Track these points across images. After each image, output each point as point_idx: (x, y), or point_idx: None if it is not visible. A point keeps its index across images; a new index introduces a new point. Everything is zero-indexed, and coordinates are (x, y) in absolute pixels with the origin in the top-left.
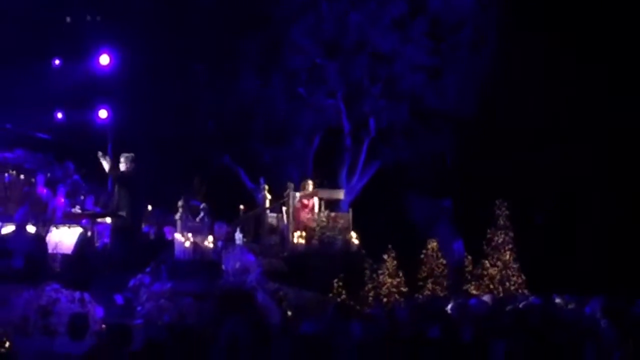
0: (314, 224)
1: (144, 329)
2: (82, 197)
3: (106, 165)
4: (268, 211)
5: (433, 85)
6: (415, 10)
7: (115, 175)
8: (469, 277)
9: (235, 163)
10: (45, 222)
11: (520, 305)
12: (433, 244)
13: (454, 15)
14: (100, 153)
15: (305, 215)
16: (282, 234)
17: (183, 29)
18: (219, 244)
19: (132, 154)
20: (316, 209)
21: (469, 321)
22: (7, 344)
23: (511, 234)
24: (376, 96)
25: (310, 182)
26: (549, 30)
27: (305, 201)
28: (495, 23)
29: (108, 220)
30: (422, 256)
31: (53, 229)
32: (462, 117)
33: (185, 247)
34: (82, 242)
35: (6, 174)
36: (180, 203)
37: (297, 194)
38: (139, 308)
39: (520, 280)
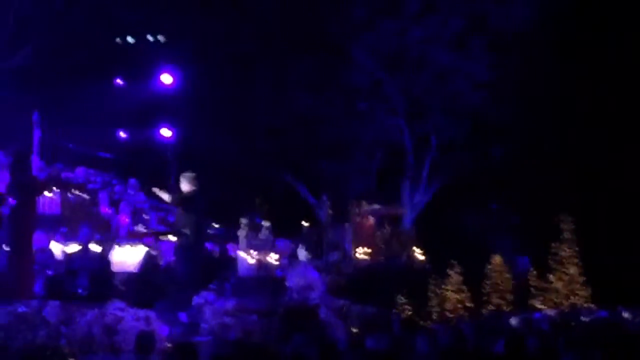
0: (377, 240)
1: (210, 346)
2: (145, 216)
3: (166, 197)
4: (331, 227)
5: (492, 100)
6: (474, 26)
7: (176, 198)
8: (534, 291)
9: (297, 180)
10: (109, 240)
11: (587, 319)
12: (497, 259)
13: (512, 30)
14: (155, 189)
15: (368, 231)
16: (345, 250)
17: (243, 47)
18: (283, 260)
19: (193, 174)
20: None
21: (534, 335)
22: None
23: (576, 248)
24: (437, 112)
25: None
26: (606, 46)
27: (368, 217)
28: (552, 38)
29: (172, 238)
30: (487, 271)
31: (117, 248)
32: (521, 131)
33: (249, 264)
34: (146, 261)
35: (70, 194)
36: (243, 220)
37: (360, 210)
38: (203, 326)
39: (586, 294)
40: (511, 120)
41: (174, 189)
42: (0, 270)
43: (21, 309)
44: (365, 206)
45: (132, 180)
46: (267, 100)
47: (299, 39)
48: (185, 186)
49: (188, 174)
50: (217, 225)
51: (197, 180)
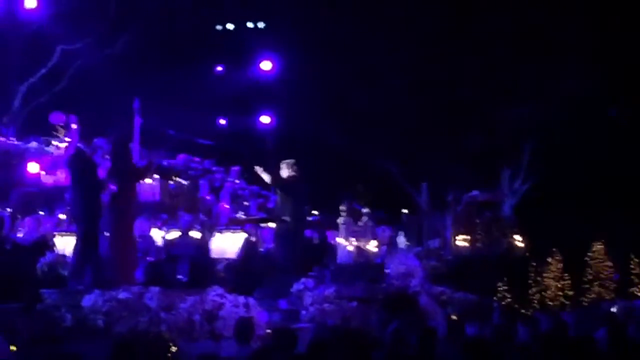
0: (476, 227)
1: (309, 333)
2: (245, 203)
3: (266, 177)
4: (430, 215)
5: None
6: None
7: (277, 183)
8: (636, 279)
9: (397, 167)
10: (210, 227)
11: None
12: (599, 247)
13: None
14: (257, 167)
15: (467, 218)
16: (444, 237)
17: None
18: (382, 248)
19: (293, 160)
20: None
21: (636, 323)
22: (174, 349)
23: None
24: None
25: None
26: None
27: (467, 204)
28: None
29: (272, 225)
30: (588, 259)
31: (217, 235)
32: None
33: (349, 251)
34: (246, 247)
35: (170, 181)
36: (343, 207)
37: (459, 197)
38: (303, 312)
39: None
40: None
41: (273, 175)
42: (102, 256)
43: (123, 295)
44: (465, 193)
45: (233, 167)
46: (366, 87)
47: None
48: (285, 173)
49: (288, 161)
50: (316, 212)
51: (297, 167)
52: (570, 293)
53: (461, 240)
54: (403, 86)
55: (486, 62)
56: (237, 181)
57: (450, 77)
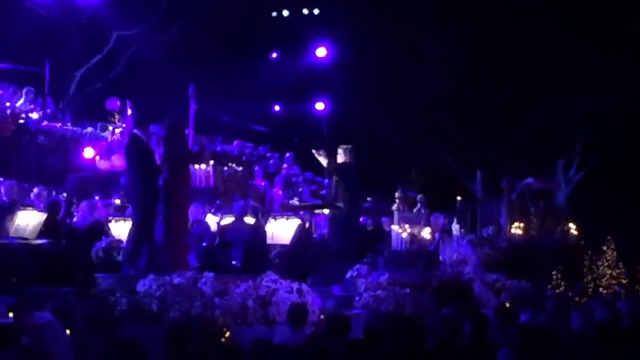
0: (531, 215)
1: (362, 319)
2: (299, 189)
3: (323, 160)
4: (485, 202)
5: None
6: None
7: (333, 167)
8: None
9: (452, 155)
10: (264, 213)
11: None
12: None
13: None
14: (314, 150)
15: (522, 206)
16: (499, 224)
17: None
18: (436, 235)
19: (350, 146)
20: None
21: None
22: (228, 334)
23: None
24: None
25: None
26: None
27: (522, 192)
28: None
29: (326, 211)
30: None
31: (271, 220)
32: None
33: (402, 238)
34: (300, 234)
35: (225, 167)
36: (397, 194)
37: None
38: (356, 298)
39: None
40: None
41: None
42: (157, 242)
43: (177, 279)
44: (519, 181)
45: (287, 154)
46: (421, 74)
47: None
48: (341, 158)
49: (344, 146)
50: (370, 199)
51: (353, 153)
52: (625, 281)
53: (515, 228)
54: (459, 74)
55: (542, 51)
56: (291, 167)
57: (506, 66)
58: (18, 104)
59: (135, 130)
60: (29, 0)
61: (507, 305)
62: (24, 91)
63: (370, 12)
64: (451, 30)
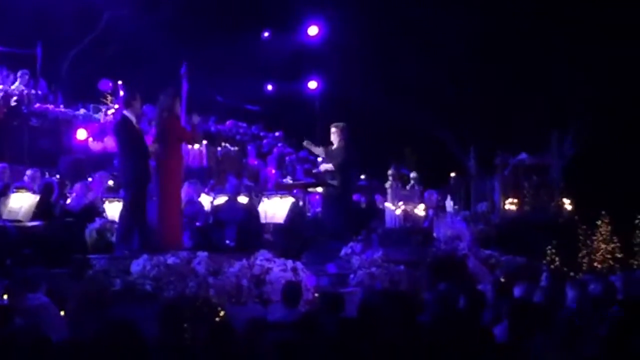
0: (524, 191)
1: (357, 296)
2: (292, 168)
3: (317, 150)
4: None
5: None
6: None
7: (326, 150)
8: None
9: (445, 131)
10: (257, 192)
11: None
12: None
13: None
14: (306, 142)
15: (515, 181)
16: (493, 200)
17: None
18: (430, 212)
19: (343, 123)
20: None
21: None
22: (222, 313)
23: None
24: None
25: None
26: None
27: (515, 167)
28: None
29: (319, 189)
30: (638, 221)
31: (264, 199)
32: None
33: (396, 215)
34: (294, 212)
35: (218, 146)
36: (390, 171)
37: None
38: (351, 276)
39: None
40: None
41: (321, 140)
42: (150, 222)
43: (171, 260)
44: (513, 157)
45: (279, 133)
46: (414, 50)
47: None
48: (334, 136)
49: (337, 124)
50: (364, 177)
51: (346, 131)
52: (619, 256)
53: (509, 204)
54: (452, 49)
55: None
56: (284, 146)
57: (500, 40)
58: (13, 86)
59: (125, 111)
60: None
61: (502, 280)
62: (18, 74)
63: None
64: (444, 4)
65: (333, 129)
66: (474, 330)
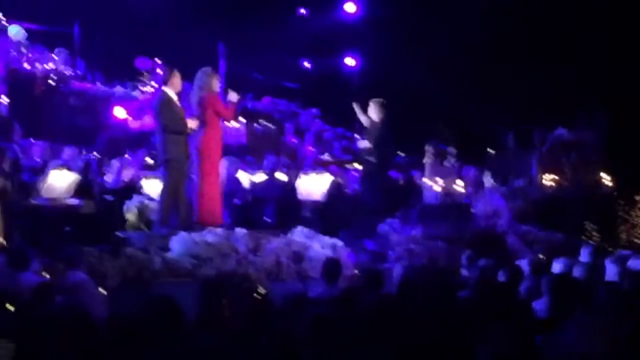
0: (563, 166)
1: (396, 273)
2: (331, 145)
3: (361, 116)
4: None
5: None
6: None
7: (365, 121)
8: None
9: (483, 106)
10: (295, 169)
11: None
12: None
13: None
14: (355, 104)
15: (554, 157)
16: (531, 176)
17: None
18: (468, 188)
19: (381, 99)
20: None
21: None
22: (262, 290)
23: None
24: None
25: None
26: None
27: (554, 142)
28: None
29: (357, 166)
30: None
31: (302, 176)
32: None
33: (435, 192)
34: (332, 189)
35: (256, 124)
36: (428, 147)
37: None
38: (389, 252)
39: None
40: None
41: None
42: (189, 199)
43: (210, 237)
44: (552, 131)
45: (317, 110)
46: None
47: None
48: (372, 112)
49: (376, 100)
50: (402, 153)
51: (385, 107)
52: None
53: (548, 180)
54: (489, 25)
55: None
56: (322, 124)
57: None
58: (51, 64)
59: (164, 88)
60: None
61: (541, 256)
62: (55, 52)
63: None
64: None
65: (371, 105)
66: (514, 305)
